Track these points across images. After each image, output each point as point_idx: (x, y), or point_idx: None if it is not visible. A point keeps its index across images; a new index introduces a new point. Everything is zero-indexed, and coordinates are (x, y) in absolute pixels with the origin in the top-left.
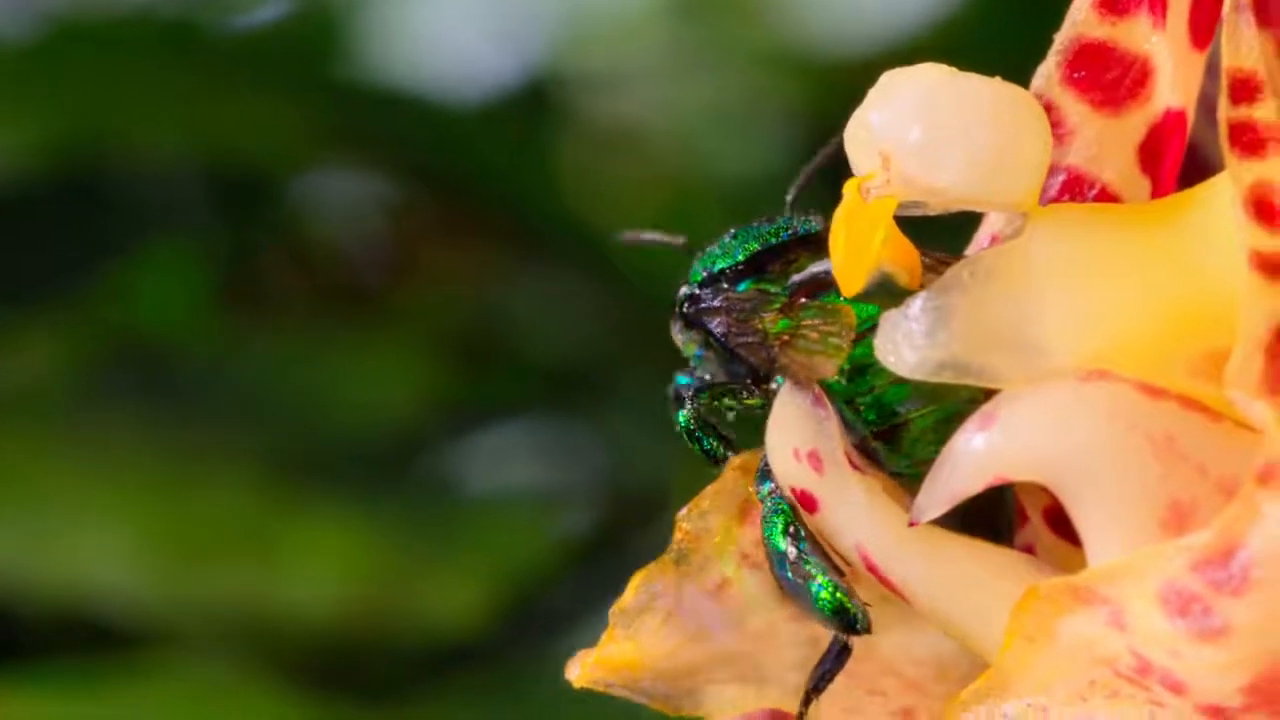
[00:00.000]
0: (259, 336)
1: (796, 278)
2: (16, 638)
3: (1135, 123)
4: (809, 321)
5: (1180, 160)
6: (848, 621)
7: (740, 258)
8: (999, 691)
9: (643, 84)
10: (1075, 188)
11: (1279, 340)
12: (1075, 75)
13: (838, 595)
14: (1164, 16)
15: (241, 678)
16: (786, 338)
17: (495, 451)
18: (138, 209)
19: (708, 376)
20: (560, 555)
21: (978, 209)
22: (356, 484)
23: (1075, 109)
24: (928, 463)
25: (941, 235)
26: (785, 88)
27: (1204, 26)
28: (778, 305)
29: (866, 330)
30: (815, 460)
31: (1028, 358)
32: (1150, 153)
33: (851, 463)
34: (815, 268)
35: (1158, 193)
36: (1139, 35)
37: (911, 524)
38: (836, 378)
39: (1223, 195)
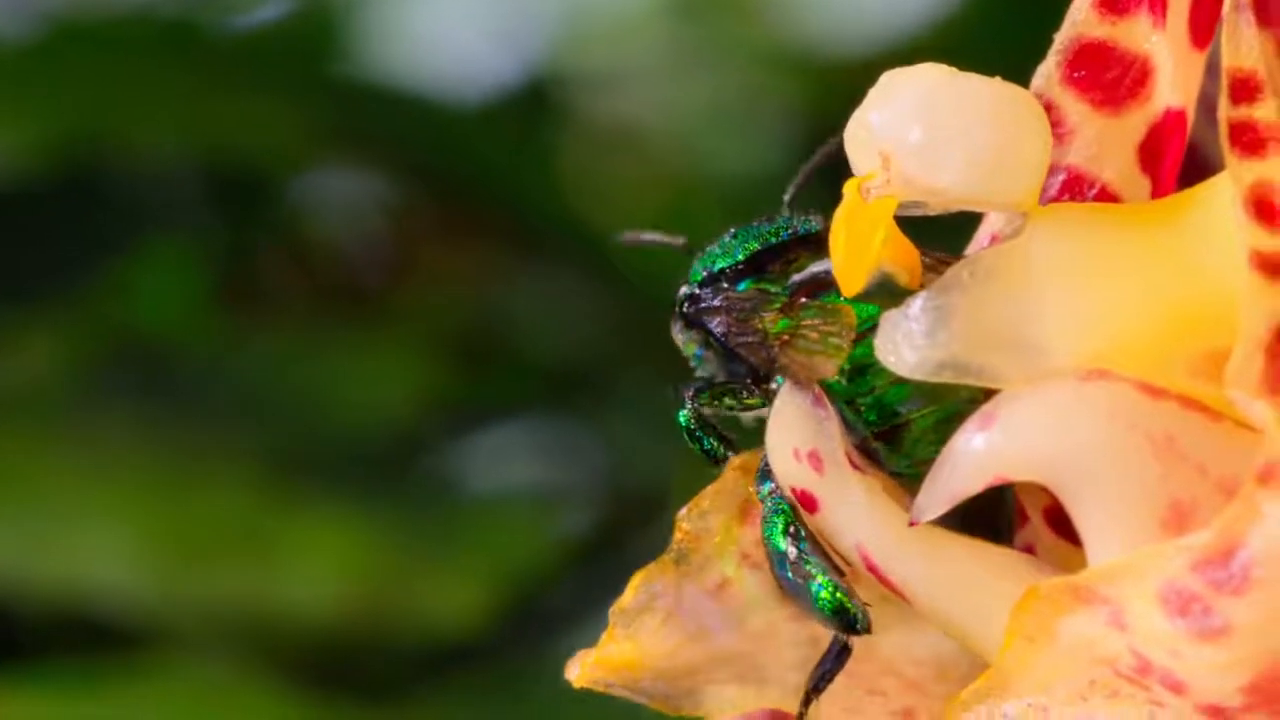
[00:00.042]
0: (258, 336)
1: (796, 277)
2: (16, 638)
3: (1135, 122)
4: (809, 321)
5: (1180, 160)
6: (848, 621)
7: (740, 257)
8: (999, 691)
9: (642, 83)
10: (1075, 187)
11: (1279, 340)
12: (1075, 75)
13: (838, 595)
14: (1164, 16)
15: (241, 677)
16: (786, 338)
17: (495, 451)
18: (137, 208)
19: (708, 376)
20: (560, 555)
21: (978, 209)
22: (356, 484)
23: (1075, 108)
24: (928, 463)
25: (941, 235)
26: (785, 87)
27: (1204, 26)
28: (778, 305)
29: (866, 330)
30: (815, 460)
31: (1028, 357)
32: (1150, 152)
33: (852, 463)
34: (815, 267)
35: (1158, 192)
36: (1139, 35)
37: (911, 524)
38: (837, 378)
39: (1223, 195)
